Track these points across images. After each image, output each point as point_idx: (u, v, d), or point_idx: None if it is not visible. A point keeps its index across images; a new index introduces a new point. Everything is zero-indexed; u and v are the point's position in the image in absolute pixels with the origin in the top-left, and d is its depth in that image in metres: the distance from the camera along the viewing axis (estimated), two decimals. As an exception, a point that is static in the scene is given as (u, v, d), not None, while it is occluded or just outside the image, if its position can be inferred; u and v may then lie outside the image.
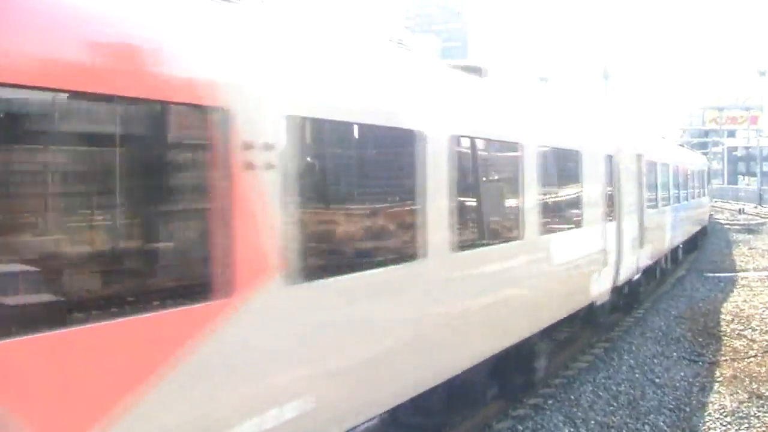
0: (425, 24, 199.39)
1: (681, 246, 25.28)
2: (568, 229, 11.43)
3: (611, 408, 10.70)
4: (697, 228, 30.19)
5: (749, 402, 10.92)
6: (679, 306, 18.41)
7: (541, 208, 9.95)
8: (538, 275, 10.03)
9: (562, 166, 11.74)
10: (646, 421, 10.19)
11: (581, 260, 11.91)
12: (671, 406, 10.83)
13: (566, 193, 11.65)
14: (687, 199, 26.10)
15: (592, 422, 10.09)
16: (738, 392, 11.36)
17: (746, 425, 10.05)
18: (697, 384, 11.92)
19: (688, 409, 10.74)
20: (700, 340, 14.84)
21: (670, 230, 21.42)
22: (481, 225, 8.78)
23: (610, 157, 13.89)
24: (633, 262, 15.53)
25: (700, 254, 29.62)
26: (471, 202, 8.44)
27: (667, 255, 22.24)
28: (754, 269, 25.34)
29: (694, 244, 29.94)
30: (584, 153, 12.09)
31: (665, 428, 9.99)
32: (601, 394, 11.30)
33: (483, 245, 8.46)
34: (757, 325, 15.93)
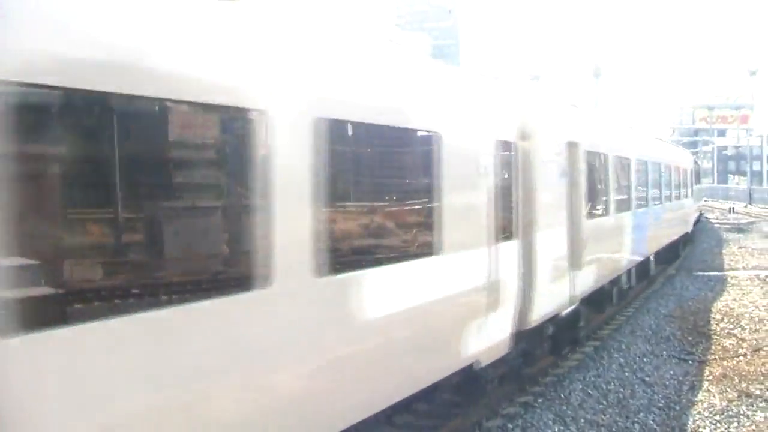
0: (416, 22, 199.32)
1: (652, 258, 20.91)
2: (404, 259, 7.27)
3: (601, 406, 10.70)
4: (677, 235, 26.04)
5: (739, 401, 10.94)
6: (668, 305, 18.45)
7: (326, 230, 6.01)
8: (318, 346, 6.01)
9: (394, 157, 7.71)
10: (636, 419, 10.19)
11: (438, 306, 7.73)
12: (661, 405, 10.83)
13: (403, 200, 7.77)
14: (660, 202, 21.73)
15: (582, 420, 10.09)
16: (727, 391, 11.38)
17: (735, 424, 10.06)
18: (687, 383, 11.93)
19: (677, 408, 10.75)
20: (690, 338, 14.86)
21: (630, 242, 17.18)
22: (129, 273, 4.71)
23: (507, 145, 9.62)
24: (561, 292, 11.62)
25: (689, 253, 29.67)
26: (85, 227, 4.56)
27: (631, 271, 17.95)
28: (744, 268, 25.42)
29: (674, 253, 26.39)
30: (447, 136, 7.77)
31: (655, 427, 10.00)
32: (591, 392, 11.31)
33: (127, 312, 4.37)
34: (747, 324, 15.97)
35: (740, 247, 31.90)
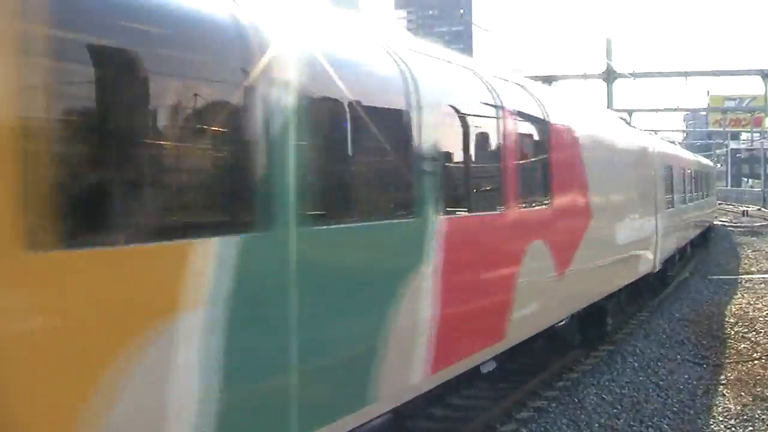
0: (428, 26, 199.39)
1: None
2: None
3: (615, 411, 10.69)
4: None
5: (754, 404, 10.90)
6: (682, 309, 18.39)
7: None
8: None
9: None
10: (650, 424, 10.17)
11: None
12: (675, 409, 10.81)
13: None
14: None
15: (596, 425, 10.08)
16: (742, 395, 11.34)
17: (751, 428, 10.03)
18: (702, 387, 11.89)
19: (692, 412, 10.72)
20: (704, 342, 14.81)
21: None
22: None
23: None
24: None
25: (704, 257, 29.55)
26: None
27: None
28: (758, 271, 25.28)
29: None
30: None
31: (669, 431, 9.98)
32: (605, 396, 11.28)
33: None
34: (761, 328, 15.90)
35: (754, 251, 31.71)
